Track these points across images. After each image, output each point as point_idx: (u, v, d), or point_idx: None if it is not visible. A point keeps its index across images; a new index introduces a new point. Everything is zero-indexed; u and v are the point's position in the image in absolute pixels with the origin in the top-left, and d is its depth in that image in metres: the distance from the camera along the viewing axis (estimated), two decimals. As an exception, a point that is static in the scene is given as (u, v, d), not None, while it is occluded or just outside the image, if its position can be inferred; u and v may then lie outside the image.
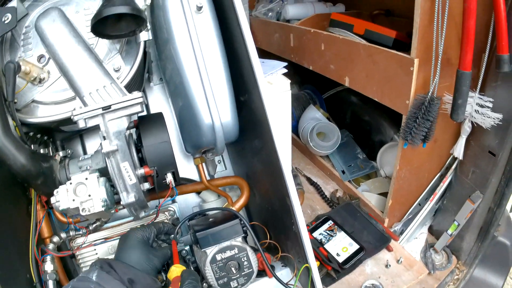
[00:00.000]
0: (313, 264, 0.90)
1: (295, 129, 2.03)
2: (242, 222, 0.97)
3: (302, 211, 0.86)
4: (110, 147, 0.90)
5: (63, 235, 1.12)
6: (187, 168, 1.23)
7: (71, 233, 1.12)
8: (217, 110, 0.99)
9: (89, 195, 0.92)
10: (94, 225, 1.14)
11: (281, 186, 0.88)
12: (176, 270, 0.91)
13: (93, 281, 0.82)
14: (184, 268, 0.92)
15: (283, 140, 1.11)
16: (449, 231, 1.48)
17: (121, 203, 0.94)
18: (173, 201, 1.18)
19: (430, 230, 1.63)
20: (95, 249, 1.13)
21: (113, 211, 1.00)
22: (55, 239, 1.11)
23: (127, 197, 0.94)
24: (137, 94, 0.92)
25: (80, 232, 1.13)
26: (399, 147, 1.32)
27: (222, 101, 1.00)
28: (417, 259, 1.42)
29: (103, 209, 0.91)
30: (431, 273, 1.48)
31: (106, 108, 0.91)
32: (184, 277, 0.87)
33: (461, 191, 1.47)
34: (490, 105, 1.23)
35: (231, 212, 1.00)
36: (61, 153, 1.14)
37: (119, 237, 1.13)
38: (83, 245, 1.12)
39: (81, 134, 1.37)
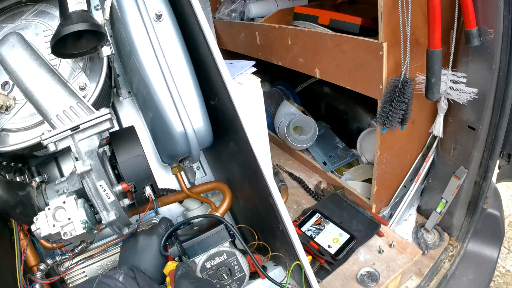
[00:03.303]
0: (305, 260, 0.89)
1: (271, 127, 2.03)
2: (227, 227, 0.96)
3: (287, 208, 0.85)
4: (84, 167, 0.89)
5: (49, 261, 1.09)
6: (166, 178, 1.21)
7: (57, 258, 1.10)
8: (188, 117, 0.98)
9: (69, 219, 0.90)
10: (79, 247, 1.12)
11: (262, 186, 0.87)
12: (171, 265, 0.92)
13: (120, 281, 0.85)
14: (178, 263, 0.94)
15: (260, 139, 1.11)
16: (438, 209, 1.48)
17: (103, 222, 0.93)
18: (156, 213, 1.17)
19: (419, 210, 1.64)
20: (84, 271, 1.11)
21: (95, 231, 0.98)
22: (42, 266, 1.08)
23: (108, 216, 0.93)
24: (104, 110, 0.90)
25: (67, 256, 1.11)
26: (378, 132, 1.32)
27: (192, 107, 0.99)
28: (409, 241, 1.43)
29: (84, 231, 0.89)
30: (425, 253, 1.48)
31: (75, 129, 0.89)
32: (178, 267, 0.88)
33: (445, 168, 1.48)
34: (464, 80, 1.23)
35: (215, 218, 0.99)
36: (37, 179, 1.12)
37: (106, 256, 1.12)
38: (69, 267, 1.10)
39: (56, 157, 1.34)
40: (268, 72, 2.36)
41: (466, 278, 1.58)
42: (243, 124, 0.87)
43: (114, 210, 0.93)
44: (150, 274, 0.95)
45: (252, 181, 0.95)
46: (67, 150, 0.94)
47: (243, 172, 1.01)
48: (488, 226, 1.72)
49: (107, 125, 0.91)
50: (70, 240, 0.91)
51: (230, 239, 0.95)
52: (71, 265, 1.12)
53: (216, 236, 0.94)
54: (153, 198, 0.98)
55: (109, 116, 0.90)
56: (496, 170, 1.59)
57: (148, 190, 0.98)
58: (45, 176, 1.21)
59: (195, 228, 1.00)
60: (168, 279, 0.91)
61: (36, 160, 1.26)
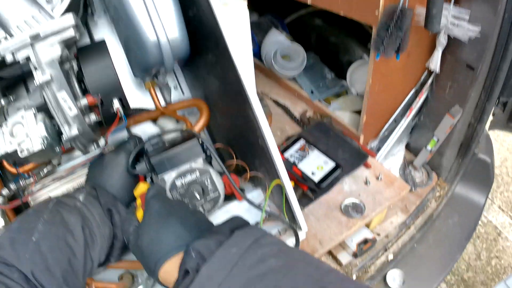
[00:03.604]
0: (286, 179, 0.82)
1: (257, 55, 1.91)
2: (201, 142, 0.87)
3: (268, 123, 0.76)
4: (43, 77, 0.81)
5: (12, 186, 1.02)
6: (141, 100, 1.11)
7: (22, 182, 1.03)
8: (162, 26, 0.88)
9: (27, 134, 0.83)
10: (45, 171, 1.05)
11: (240, 96, 0.78)
12: (143, 187, 0.86)
13: (80, 200, 0.81)
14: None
15: (244, 60, 1.00)
16: (429, 147, 1.43)
17: (63, 137, 0.85)
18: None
19: (407, 147, 1.59)
20: (49, 196, 1.04)
21: (58, 149, 0.91)
22: (4, 191, 1.02)
23: (70, 130, 0.85)
24: (68, 16, 0.81)
25: (32, 180, 1.04)
26: (371, 59, 1.23)
27: (166, 15, 0.89)
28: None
29: (42, 146, 0.82)
30: (412, 191, 1.44)
31: (35, 37, 0.80)
32: (149, 189, 0.82)
33: (439, 106, 1.41)
34: (467, 17, 1.16)
35: (189, 133, 0.89)
36: (2, 101, 1.03)
37: (74, 179, 1.05)
38: (33, 191, 1.03)
39: (25, 79, 1.24)
40: (256, 1, 2.22)
41: (451, 220, 1.56)
42: (222, 30, 0.78)
43: (77, 124, 0.85)
44: (117, 193, 0.89)
45: (230, 92, 0.86)
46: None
47: (220, 84, 0.91)
48: (478, 171, 1.70)
49: (70, 32, 0.82)
50: (28, 158, 0.84)
51: (204, 156, 0.87)
52: (35, 188, 1.06)
53: (188, 152, 0.86)
54: (122, 112, 0.90)
55: (72, 22, 0.81)
56: (490, 117, 1.54)
57: (116, 104, 0.89)
58: (12, 97, 1.12)
59: (167, 145, 0.91)
60: (138, 201, 0.85)
61: (2, 83, 1.16)
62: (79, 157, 1.10)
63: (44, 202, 0.81)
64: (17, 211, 1.05)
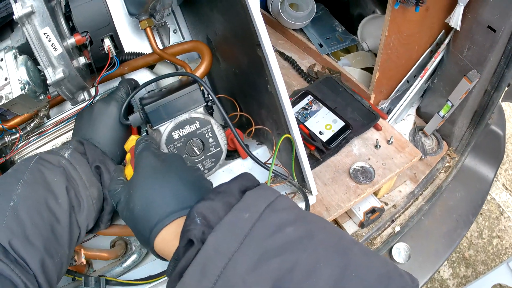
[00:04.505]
0: (296, 132, 0.72)
1: (263, 4, 1.79)
2: (203, 87, 0.77)
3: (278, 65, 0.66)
4: (23, 10, 0.70)
5: (-4, 142, 0.94)
6: (138, 45, 1.01)
7: (7, 138, 0.94)
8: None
9: (6, 79, 0.75)
10: (32, 124, 0.96)
11: (247, 29, 0.67)
12: (134, 139, 0.75)
13: (65, 157, 0.72)
14: None
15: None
16: (441, 113, 1.34)
17: (48, 81, 0.76)
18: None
19: (418, 112, 1.50)
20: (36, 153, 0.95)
21: (42, 97, 0.82)
22: (-13, 148, 0.94)
23: (54, 73, 0.75)
24: None
25: (17, 135, 0.95)
26: (389, 7, 1.13)
27: None
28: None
29: (22, 92, 0.73)
30: (422, 158, 1.36)
31: None
32: (138, 141, 0.72)
33: (455, 68, 1.32)
34: None
35: (189, 76, 0.79)
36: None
37: (62, 133, 0.96)
38: (17, 148, 0.93)
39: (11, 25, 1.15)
40: None
41: (459, 194, 1.50)
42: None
43: (62, 67, 0.75)
44: (106, 148, 0.80)
45: (237, 30, 0.75)
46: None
47: (225, 22, 0.80)
48: (489, 143, 1.63)
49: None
50: (7, 106, 0.75)
51: (205, 103, 0.77)
52: (20, 144, 0.97)
53: (187, 99, 0.75)
54: (114, 53, 0.80)
55: None
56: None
57: (107, 43, 0.80)
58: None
59: (164, 92, 0.81)
60: (128, 155, 0.75)
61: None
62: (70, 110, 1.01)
63: (25, 160, 0.71)
64: (3, 169, 0.96)
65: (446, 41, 1.32)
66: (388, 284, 0.45)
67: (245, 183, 0.56)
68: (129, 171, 0.70)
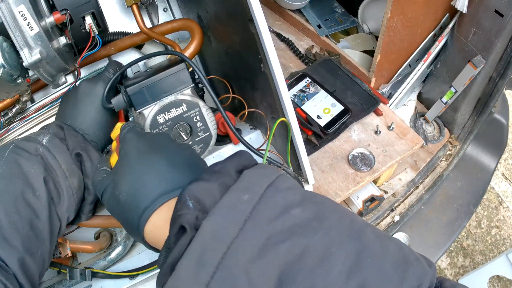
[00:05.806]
0: (292, 115, 0.67)
1: None
2: (191, 67, 0.71)
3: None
4: (-5, -15, 0.65)
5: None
6: (125, 24, 0.95)
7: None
8: None
9: None
10: (14, 110, 0.90)
11: (241, 8, 0.61)
12: (120, 127, 0.69)
13: (43, 144, 0.67)
14: None
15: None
16: (444, 99, 1.29)
17: (24, 64, 0.71)
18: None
19: (419, 98, 1.45)
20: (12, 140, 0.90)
21: (20, 80, 0.77)
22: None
23: (30, 54, 0.70)
24: None
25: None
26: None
27: None
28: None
29: None
30: (423, 146, 1.31)
31: None
32: (123, 127, 0.66)
33: (459, 54, 1.27)
34: None
35: (177, 55, 0.72)
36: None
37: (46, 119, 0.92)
38: (-1, 132, 0.89)
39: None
40: None
41: (460, 183, 1.46)
42: None
43: (40, 47, 0.70)
44: (91, 131, 0.75)
45: (228, 5, 0.69)
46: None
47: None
48: (492, 132, 1.59)
49: None
50: None
51: (193, 85, 0.71)
52: (1, 131, 0.93)
53: (173, 79, 0.69)
54: (96, 31, 0.74)
55: None
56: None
57: (88, 21, 0.74)
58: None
59: (150, 73, 0.75)
60: (114, 143, 0.69)
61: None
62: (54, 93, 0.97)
63: (2, 147, 0.65)
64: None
65: (450, 25, 1.27)
66: (406, 269, 0.40)
67: (242, 162, 0.50)
68: (114, 160, 0.65)
